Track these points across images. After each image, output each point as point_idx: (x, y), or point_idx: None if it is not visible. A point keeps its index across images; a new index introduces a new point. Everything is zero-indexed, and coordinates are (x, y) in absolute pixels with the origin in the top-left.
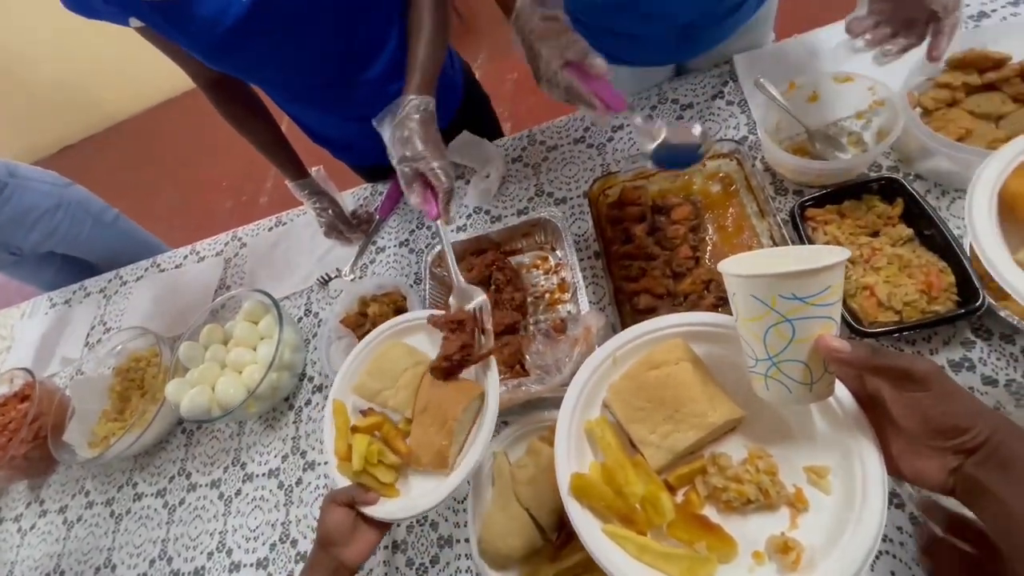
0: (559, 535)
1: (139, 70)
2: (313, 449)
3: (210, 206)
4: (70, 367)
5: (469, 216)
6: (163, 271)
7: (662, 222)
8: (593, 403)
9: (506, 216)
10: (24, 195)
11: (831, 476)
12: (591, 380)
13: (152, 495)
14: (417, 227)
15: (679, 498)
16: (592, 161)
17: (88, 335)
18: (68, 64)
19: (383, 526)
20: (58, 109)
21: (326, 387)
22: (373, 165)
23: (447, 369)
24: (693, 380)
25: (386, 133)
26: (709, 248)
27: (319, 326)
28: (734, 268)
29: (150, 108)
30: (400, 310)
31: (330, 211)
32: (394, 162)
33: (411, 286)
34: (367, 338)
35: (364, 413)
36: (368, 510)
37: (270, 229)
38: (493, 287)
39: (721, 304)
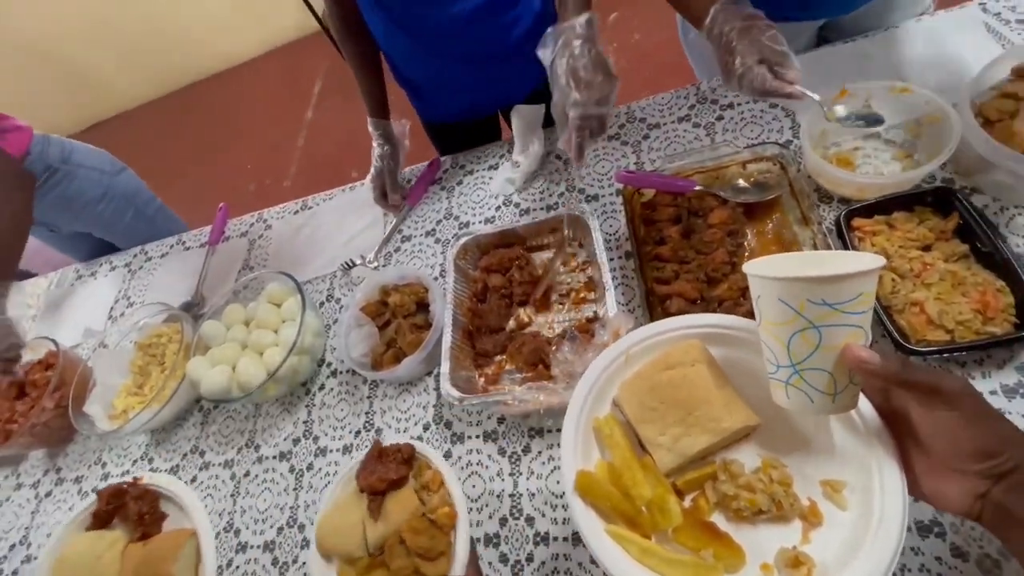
0: (378, 555)
1: (168, 52)
2: (326, 435)
3: (234, 188)
4: (93, 339)
5: (498, 208)
6: (188, 249)
7: (698, 225)
8: (603, 400)
9: (535, 210)
10: (72, 183)
11: (847, 491)
12: (602, 376)
13: (165, 471)
14: (444, 218)
15: (687, 503)
16: (627, 159)
17: (112, 308)
18: (98, 44)
19: None
20: (89, 87)
21: (342, 373)
22: (439, 123)
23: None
24: (708, 383)
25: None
26: (747, 254)
27: (340, 312)
28: (761, 270)
29: (178, 90)
30: (421, 302)
31: (389, 162)
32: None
33: (435, 279)
34: (45, 554)
35: None
36: None
37: (295, 212)
38: (508, 280)
39: None
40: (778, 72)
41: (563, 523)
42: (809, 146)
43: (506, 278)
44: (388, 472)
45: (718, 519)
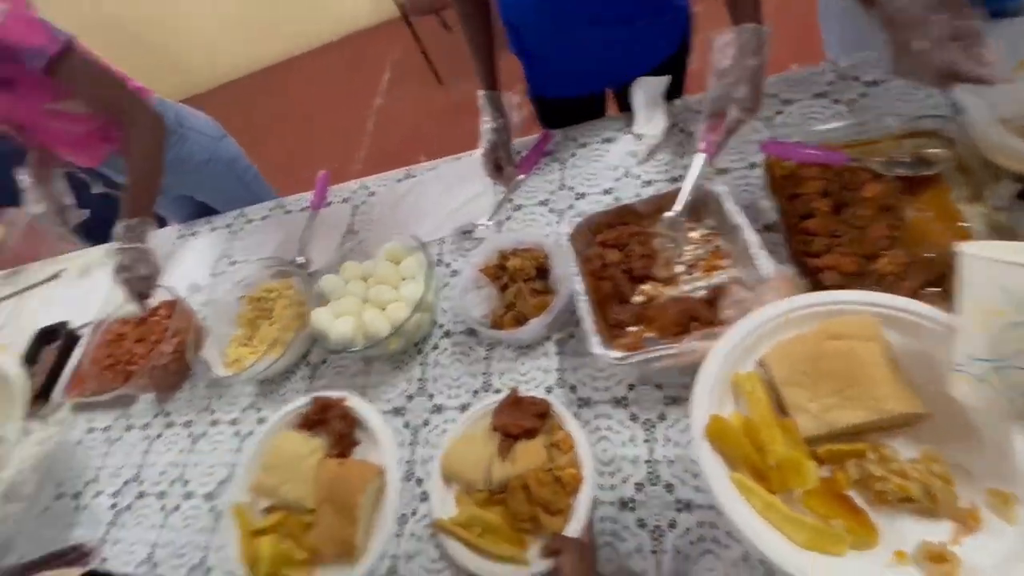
0: (497, 493)
1: (239, 37)
2: (441, 393)
3: (301, 169)
4: (198, 293)
5: (617, 179)
6: (288, 212)
7: (850, 198)
8: (748, 357)
9: (657, 181)
10: (184, 145)
11: (1019, 506)
12: (755, 332)
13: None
14: (558, 188)
15: (824, 473)
16: (758, 134)
17: (214, 266)
18: (171, 28)
19: None
20: (165, 69)
21: (456, 333)
22: (549, 98)
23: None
24: (878, 362)
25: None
26: (906, 231)
27: (451, 276)
28: (986, 252)
29: (249, 74)
30: (540, 268)
31: (504, 134)
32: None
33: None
34: (256, 436)
35: (268, 510)
36: None
37: (399, 181)
38: (626, 255)
39: (923, 290)
40: (972, 52)
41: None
42: (987, 117)
43: (624, 253)
44: (524, 419)
45: (854, 498)
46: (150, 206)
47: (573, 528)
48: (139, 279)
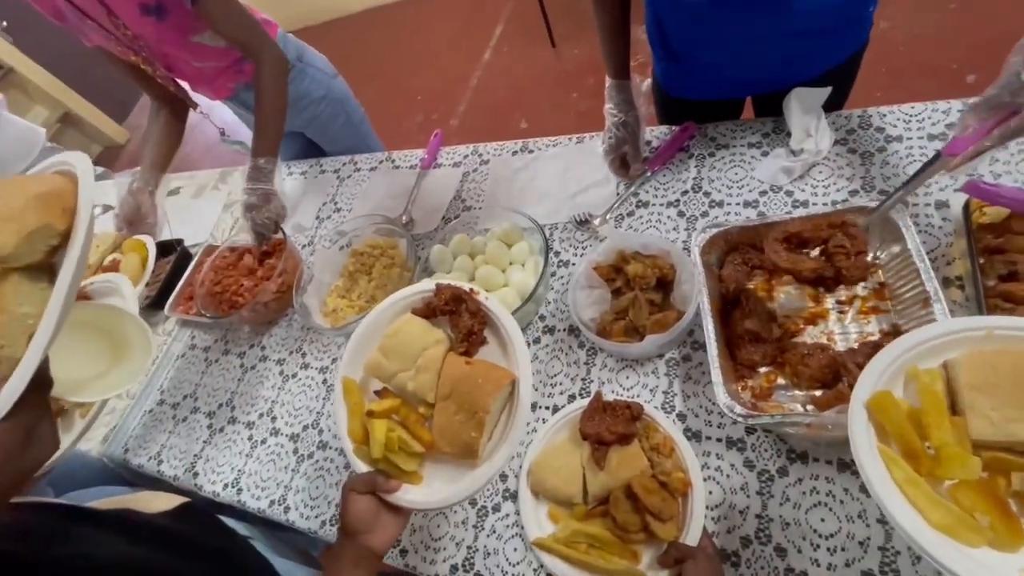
0: (595, 506)
1: None
2: (536, 391)
3: (399, 116)
4: (302, 234)
5: (763, 193)
6: (397, 167)
7: None
8: (933, 357)
9: (814, 203)
10: (303, 81)
11: None
12: (949, 337)
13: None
14: (691, 190)
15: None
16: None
17: (320, 210)
18: None
19: (408, 511)
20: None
21: (559, 331)
22: (678, 97)
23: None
24: None
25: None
26: None
27: (558, 266)
28: None
29: (360, 11)
30: (663, 280)
31: (629, 127)
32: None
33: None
34: (376, 310)
35: (379, 394)
36: (391, 498)
37: (514, 153)
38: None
39: None
40: None
41: (828, 568)
42: None
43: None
44: (616, 425)
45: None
46: (277, 146)
47: (691, 533)
48: (264, 220)
